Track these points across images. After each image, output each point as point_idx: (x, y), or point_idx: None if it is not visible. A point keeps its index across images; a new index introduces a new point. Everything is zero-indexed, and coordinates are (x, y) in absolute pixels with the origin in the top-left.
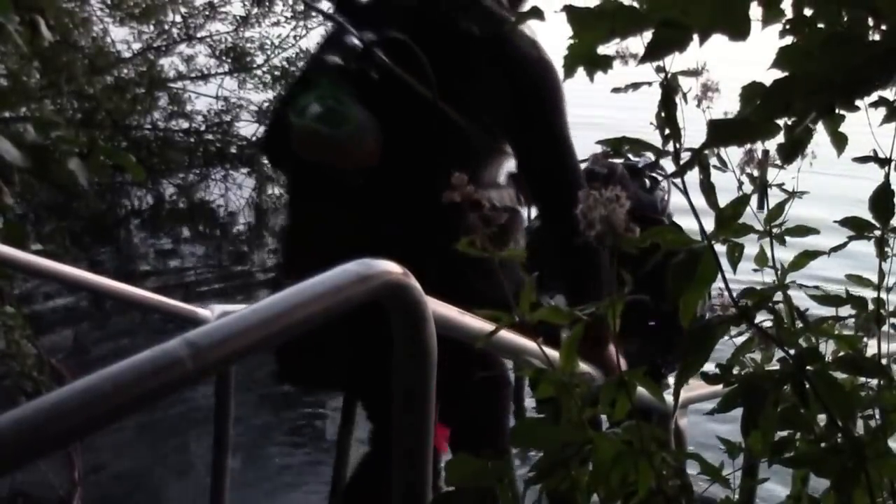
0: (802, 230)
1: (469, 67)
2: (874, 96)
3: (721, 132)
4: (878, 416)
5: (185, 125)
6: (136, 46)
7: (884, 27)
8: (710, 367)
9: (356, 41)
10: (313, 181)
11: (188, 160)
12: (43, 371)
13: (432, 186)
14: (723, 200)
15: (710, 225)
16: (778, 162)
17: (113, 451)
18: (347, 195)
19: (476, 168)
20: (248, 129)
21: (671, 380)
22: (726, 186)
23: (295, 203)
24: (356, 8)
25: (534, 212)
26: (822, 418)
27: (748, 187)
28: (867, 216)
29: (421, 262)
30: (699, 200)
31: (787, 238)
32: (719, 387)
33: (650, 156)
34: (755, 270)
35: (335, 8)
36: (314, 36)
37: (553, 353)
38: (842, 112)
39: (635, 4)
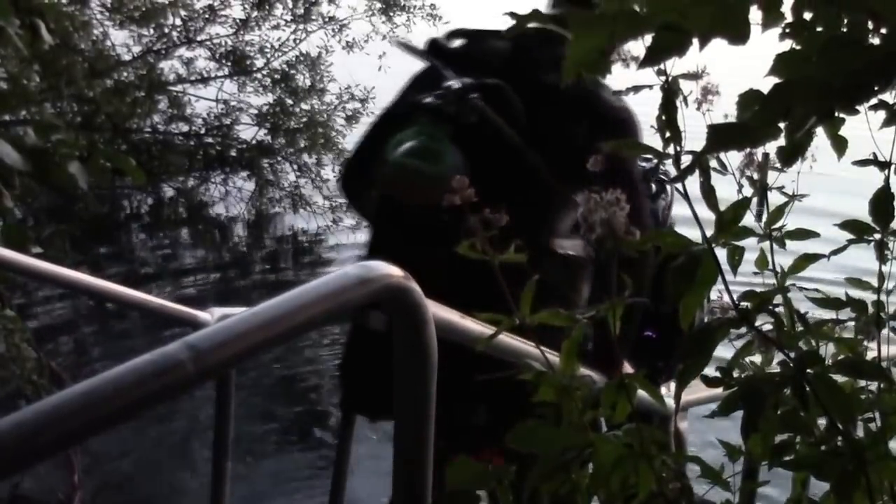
0: (802, 234)
1: (556, 118)
2: (874, 99)
3: (721, 136)
4: (878, 420)
5: (185, 128)
6: (136, 50)
7: (883, 30)
8: (710, 370)
9: (454, 84)
10: (397, 217)
11: (188, 163)
12: (43, 374)
13: (516, 228)
14: (723, 204)
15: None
16: (778, 165)
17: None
18: (431, 232)
19: (554, 216)
20: (248, 132)
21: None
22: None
23: (377, 237)
24: (448, 53)
25: None
26: (822, 421)
27: (748, 190)
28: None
29: (498, 300)
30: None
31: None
32: (719, 390)
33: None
34: (755, 273)
35: (428, 52)
36: (314, 39)
37: (553, 357)
38: (842, 116)
39: (636, 8)
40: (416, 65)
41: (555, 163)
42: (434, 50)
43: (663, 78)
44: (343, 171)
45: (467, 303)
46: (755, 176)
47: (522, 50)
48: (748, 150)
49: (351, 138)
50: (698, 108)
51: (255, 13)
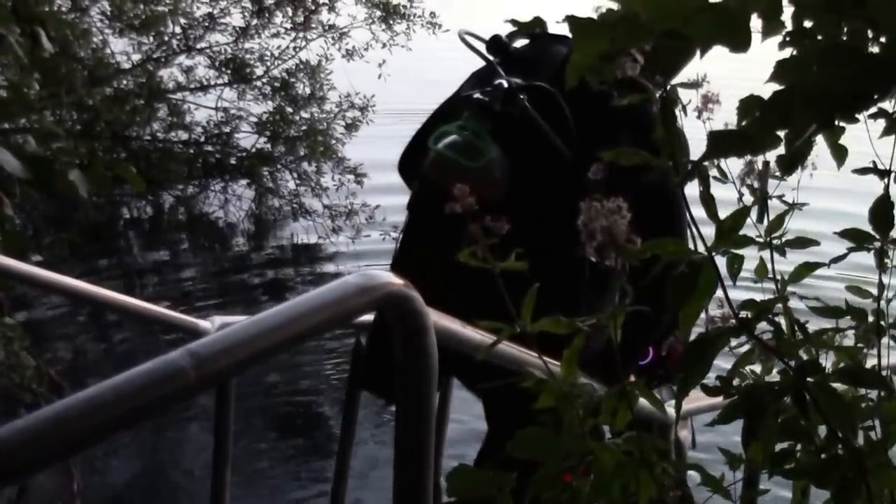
0: (803, 242)
1: (602, 127)
2: (873, 108)
3: (721, 144)
4: (878, 428)
5: (185, 136)
6: (136, 57)
7: (883, 39)
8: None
9: (503, 83)
10: (436, 206)
11: (187, 171)
12: (42, 383)
13: (548, 231)
14: (723, 212)
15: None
16: (778, 173)
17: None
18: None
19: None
20: (248, 140)
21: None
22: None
23: (413, 226)
24: (510, 54)
25: None
26: (822, 429)
27: (748, 198)
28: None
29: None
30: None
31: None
32: (720, 398)
33: None
34: (755, 282)
35: (489, 48)
36: (314, 47)
37: (554, 364)
38: (842, 124)
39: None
40: (415, 74)
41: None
42: (494, 47)
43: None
44: (399, 162)
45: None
46: (755, 184)
47: None
48: (748, 158)
49: (351, 146)
50: (699, 117)
51: (254, 21)
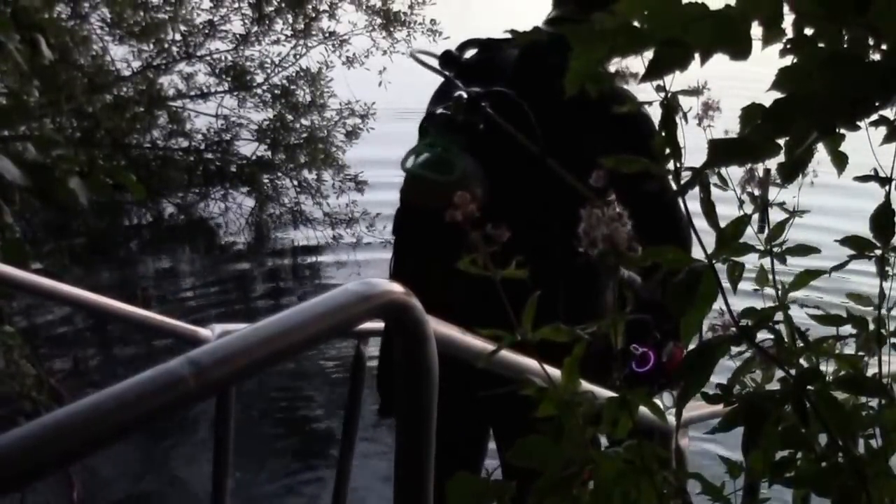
0: (803, 249)
1: (571, 124)
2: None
3: (722, 152)
4: (879, 436)
5: (185, 144)
6: (136, 65)
7: (884, 47)
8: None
9: (463, 94)
10: (417, 225)
11: (188, 179)
12: (42, 391)
13: (532, 236)
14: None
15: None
16: (779, 181)
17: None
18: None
19: (575, 220)
20: (248, 147)
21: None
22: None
23: (398, 248)
24: (462, 65)
25: None
26: (823, 438)
27: (749, 206)
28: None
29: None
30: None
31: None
32: (720, 406)
33: None
34: (755, 290)
35: (442, 63)
36: (314, 55)
37: (554, 372)
38: (842, 132)
39: (636, 23)
40: (416, 81)
41: (572, 165)
42: (447, 61)
43: (663, 93)
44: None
45: (490, 310)
46: (756, 192)
47: (534, 58)
48: (749, 165)
49: (351, 153)
50: (699, 124)
51: (254, 28)
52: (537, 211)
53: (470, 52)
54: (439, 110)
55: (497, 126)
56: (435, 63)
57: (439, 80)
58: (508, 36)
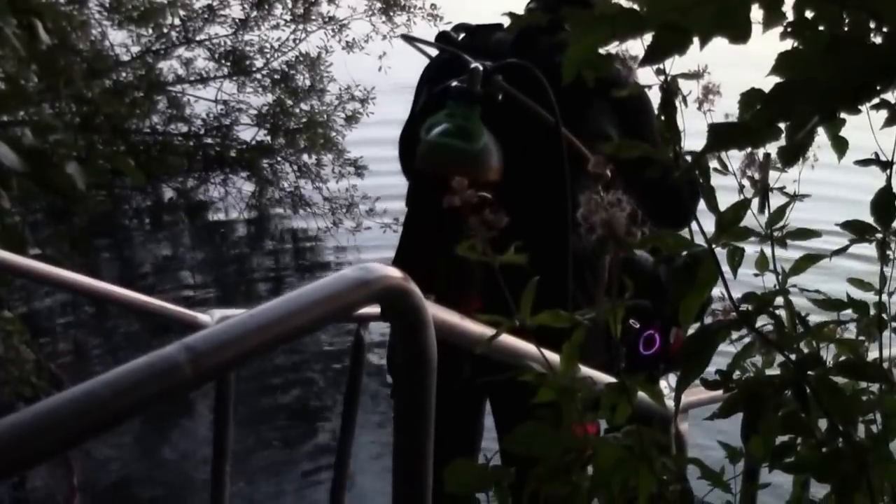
0: (804, 234)
1: (574, 99)
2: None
3: (722, 136)
4: (879, 421)
5: (185, 129)
6: (135, 50)
7: (885, 30)
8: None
9: (479, 66)
10: (430, 202)
11: (187, 164)
12: (42, 376)
13: (547, 206)
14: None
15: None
16: (779, 165)
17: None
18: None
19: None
20: (248, 132)
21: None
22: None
23: (409, 225)
24: (459, 45)
25: None
26: (823, 423)
27: (749, 191)
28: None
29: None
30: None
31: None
32: (720, 392)
33: None
34: (756, 275)
35: (440, 43)
36: (314, 39)
37: (553, 358)
38: (843, 116)
39: (635, 7)
40: (416, 65)
41: (582, 138)
42: (446, 41)
43: (662, 77)
44: (400, 154)
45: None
46: (756, 176)
47: (528, 39)
48: (749, 150)
49: (351, 138)
50: (699, 108)
51: (254, 13)
52: (550, 186)
53: (461, 36)
54: (453, 83)
55: (509, 99)
56: (424, 46)
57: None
58: (495, 22)
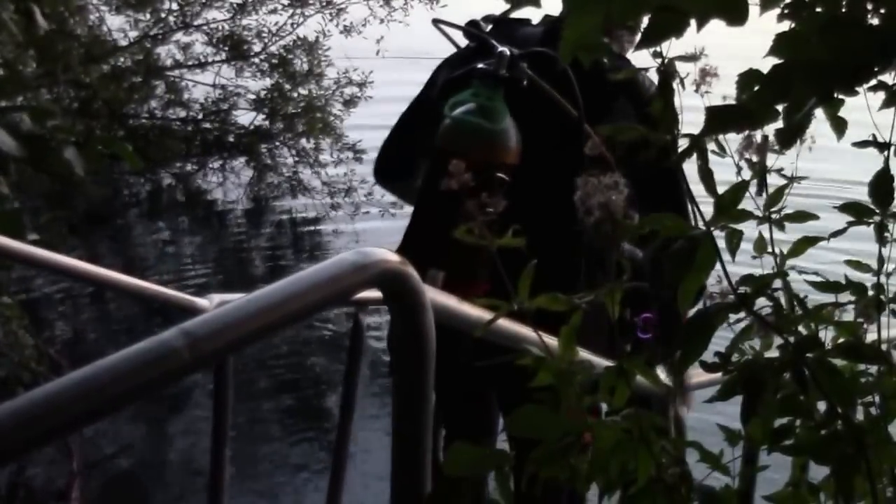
0: (802, 216)
1: (597, 96)
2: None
3: (719, 119)
4: (878, 403)
5: (183, 114)
6: (133, 35)
7: (883, 11)
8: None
9: (506, 50)
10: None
11: (186, 149)
12: (41, 362)
13: (561, 198)
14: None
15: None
16: (777, 147)
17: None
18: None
19: None
20: (246, 117)
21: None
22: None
23: (423, 203)
24: (483, 33)
25: None
26: (822, 405)
27: (747, 173)
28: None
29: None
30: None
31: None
32: (719, 374)
33: None
34: (754, 257)
35: (469, 30)
36: (311, 24)
37: (551, 341)
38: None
39: None
40: (412, 51)
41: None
42: (475, 27)
43: (659, 60)
44: (378, 163)
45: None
46: (754, 158)
47: (555, 33)
48: (747, 132)
49: (349, 122)
50: (696, 91)
51: None
52: (567, 178)
53: (488, 28)
54: (480, 65)
55: (537, 86)
56: (451, 30)
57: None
58: (523, 17)
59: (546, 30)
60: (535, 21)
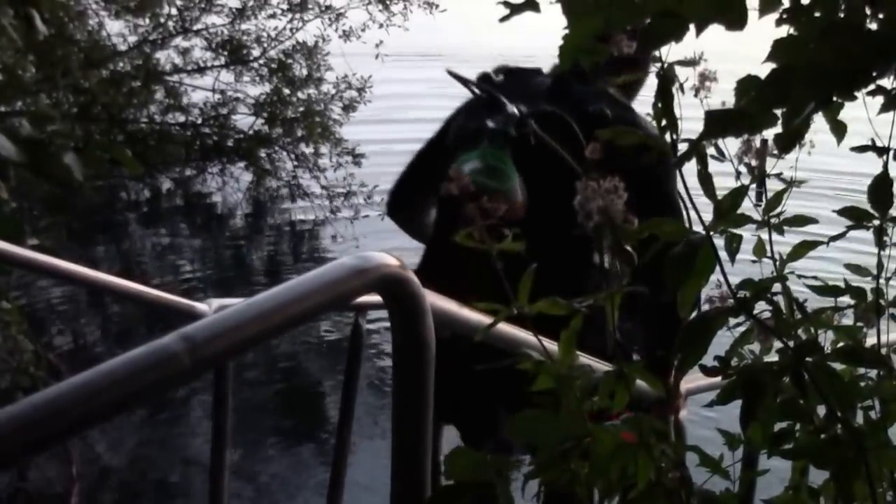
0: (801, 220)
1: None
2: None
3: (718, 123)
4: (877, 407)
5: (182, 119)
6: (132, 40)
7: (881, 15)
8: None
9: (515, 110)
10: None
11: (185, 154)
12: (41, 366)
13: (568, 250)
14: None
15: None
16: (776, 151)
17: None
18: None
19: None
20: (245, 122)
21: None
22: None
23: (436, 248)
24: (499, 86)
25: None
26: (821, 409)
27: (746, 177)
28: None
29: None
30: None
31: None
32: (718, 378)
33: None
34: (753, 261)
35: (481, 83)
36: (310, 28)
37: (551, 346)
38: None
39: None
40: (413, 58)
41: None
42: (485, 81)
43: (658, 65)
44: (391, 198)
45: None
46: (753, 163)
47: (564, 84)
48: (746, 136)
49: (348, 127)
50: (696, 95)
51: (251, 2)
52: (572, 227)
53: (500, 77)
54: (491, 124)
55: (545, 145)
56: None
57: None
58: (536, 66)
59: (554, 82)
60: (546, 69)
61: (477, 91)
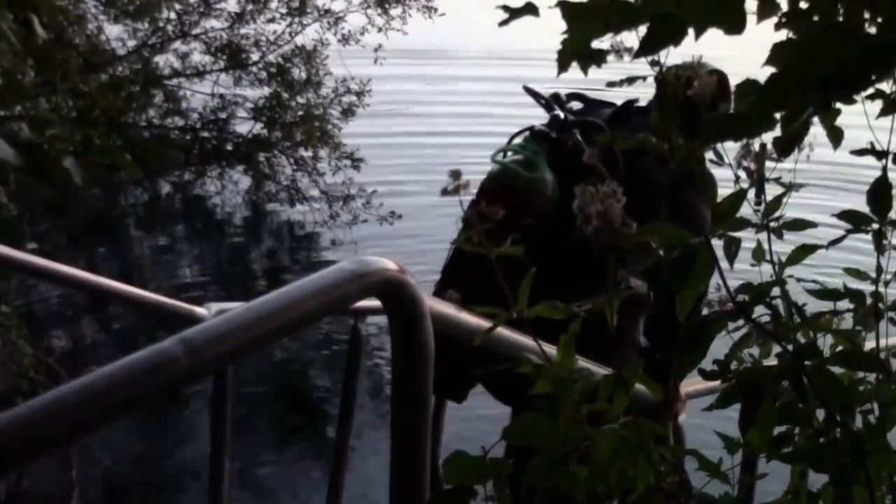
0: (800, 224)
1: (636, 168)
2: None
3: (717, 128)
4: (876, 411)
5: (181, 123)
6: (131, 44)
7: (880, 20)
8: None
9: (560, 114)
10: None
11: (184, 158)
12: (40, 370)
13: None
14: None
15: None
16: (774, 155)
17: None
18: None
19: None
20: (244, 126)
21: None
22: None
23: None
24: (567, 109)
25: None
26: (820, 413)
27: (745, 181)
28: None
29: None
30: None
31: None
32: (717, 382)
33: None
34: (753, 265)
35: (550, 102)
36: (309, 32)
37: (550, 350)
38: (838, 106)
39: None
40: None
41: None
42: (555, 101)
43: (657, 69)
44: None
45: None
46: (752, 167)
47: (623, 116)
48: (745, 140)
49: (347, 131)
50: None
51: (249, 6)
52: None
53: (572, 103)
54: (537, 125)
55: (582, 151)
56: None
57: None
58: (605, 99)
59: (615, 111)
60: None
61: (544, 104)
